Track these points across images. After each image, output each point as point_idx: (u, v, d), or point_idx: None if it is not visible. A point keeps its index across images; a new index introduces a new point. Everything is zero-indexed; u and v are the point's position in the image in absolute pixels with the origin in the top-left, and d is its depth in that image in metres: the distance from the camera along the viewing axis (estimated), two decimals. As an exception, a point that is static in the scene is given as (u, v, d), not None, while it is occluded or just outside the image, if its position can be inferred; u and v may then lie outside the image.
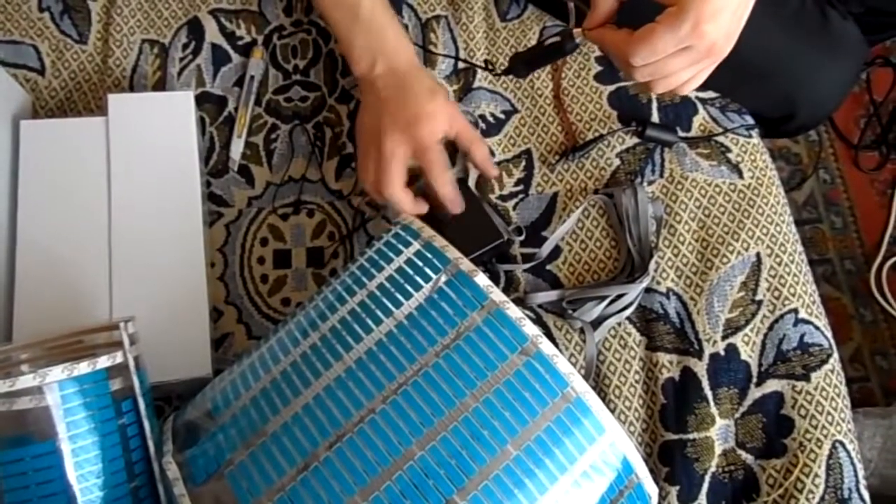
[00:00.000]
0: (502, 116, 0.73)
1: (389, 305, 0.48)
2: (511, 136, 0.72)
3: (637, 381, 0.63)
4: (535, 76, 0.74)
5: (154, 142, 0.63)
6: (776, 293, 0.66)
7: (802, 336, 0.64)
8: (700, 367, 0.63)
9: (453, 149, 0.68)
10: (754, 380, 0.63)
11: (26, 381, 0.44)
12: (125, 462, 0.47)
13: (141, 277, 0.60)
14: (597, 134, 0.71)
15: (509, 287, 0.67)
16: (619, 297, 0.64)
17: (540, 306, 0.65)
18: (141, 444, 0.49)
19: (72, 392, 0.45)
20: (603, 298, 0.63)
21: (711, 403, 0.62)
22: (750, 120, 0.74)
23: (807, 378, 0.63)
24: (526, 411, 0.43)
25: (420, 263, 0.49)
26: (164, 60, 0.73)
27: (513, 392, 0.43)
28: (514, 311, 0.45)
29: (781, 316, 0.65)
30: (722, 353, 0.64)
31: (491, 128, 0.72)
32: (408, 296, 0.48)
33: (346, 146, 0.71)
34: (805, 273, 0.67)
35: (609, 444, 0.43)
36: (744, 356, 0.64)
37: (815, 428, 0.61)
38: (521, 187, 0.70)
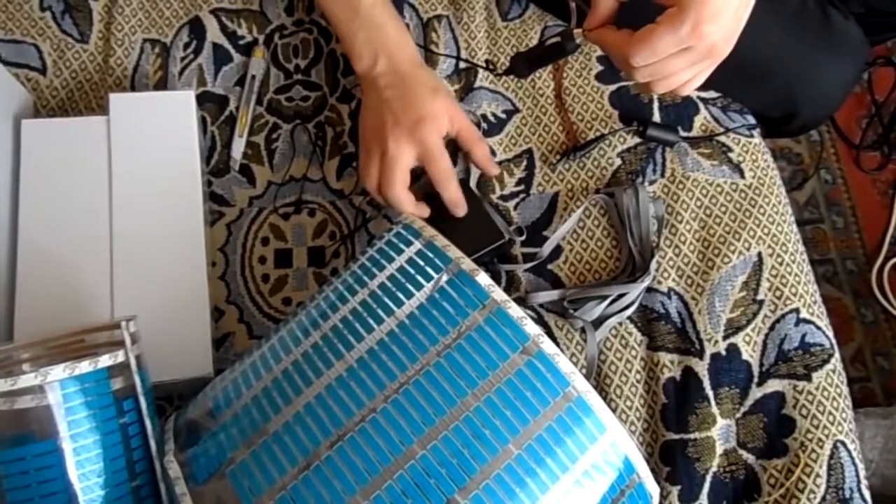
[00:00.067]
0: (503, 116, 0.73)
1: (391, 304, 0.48)
2: (512, 135, 0.72)
3: (638, 381, 0.63)
4: (536, 76, 0.74)
5: (155, 141, 0.63)
6: (777, 293, 0.66)
7: (804, 336, 0.64)
8: (701, 367, 0.63)
9: (454, 148, 0.68)
10: (755, 380, 0.63)
11: (27, 380, 0.44)
12: (126, 461, 0.47)
13: (142, 277, 0.60)
14: (598, 133, 0.71)
15: (510, 287, 0.67)
16: (621, 296, 0.64)
17: (541, 306, 0.65)
18: (142, 443, 0.49)
19: (73, 391, 0.45)
20: (604, 298, 0.63)
21: (713, 403, 0.62)
22: (751, 120, 0.74)
23: (808, 378, 0.63)
24: (527, 410, 0.43)
25: (421, 263, 0.49)
26: (166, 60, 0.73)
27: (514, 391, 0.43)
28: (515, 311, 0.45)
29: (783, 316, 0.65)
30: (723, 352, 0.64)
31: (492, 127, 0.72)
32: (409, 295, 0.48)
33: (348, 146, 0.71)
34: (806, 273, 0.67)
35: (610, 444, 0.43)
36: (745, 356, 0.64)
37: (817, 428, 0.61)
38: (522, 187, 0.70)
